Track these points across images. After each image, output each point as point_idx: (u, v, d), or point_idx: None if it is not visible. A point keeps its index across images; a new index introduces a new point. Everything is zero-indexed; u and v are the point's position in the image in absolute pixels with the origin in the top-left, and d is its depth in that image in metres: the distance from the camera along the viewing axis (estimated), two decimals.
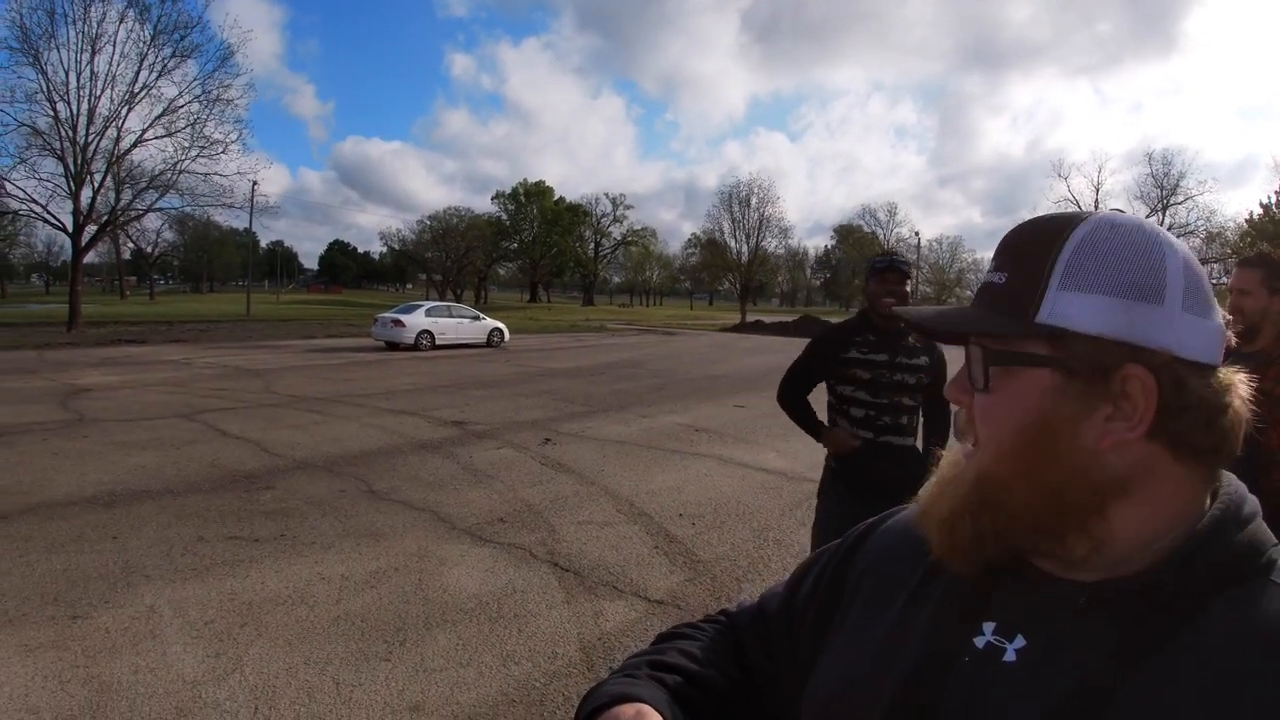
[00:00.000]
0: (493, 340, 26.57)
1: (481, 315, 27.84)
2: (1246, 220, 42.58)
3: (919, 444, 3.57)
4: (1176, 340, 0.65)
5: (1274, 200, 41.15)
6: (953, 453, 0.77)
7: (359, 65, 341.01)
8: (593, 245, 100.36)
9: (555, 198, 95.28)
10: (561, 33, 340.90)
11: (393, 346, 23.59)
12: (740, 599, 1.01)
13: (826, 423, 3.61)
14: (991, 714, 0.66)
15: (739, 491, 7.25)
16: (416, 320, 24.11)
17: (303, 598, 4.36)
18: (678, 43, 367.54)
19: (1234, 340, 0.69)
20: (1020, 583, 0.70)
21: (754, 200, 64.92)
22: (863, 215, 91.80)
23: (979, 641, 0.70)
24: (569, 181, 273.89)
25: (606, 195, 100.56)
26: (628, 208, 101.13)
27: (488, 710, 3.33)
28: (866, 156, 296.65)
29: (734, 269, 66.37)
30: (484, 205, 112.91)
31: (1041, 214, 0.75)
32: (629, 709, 0.73)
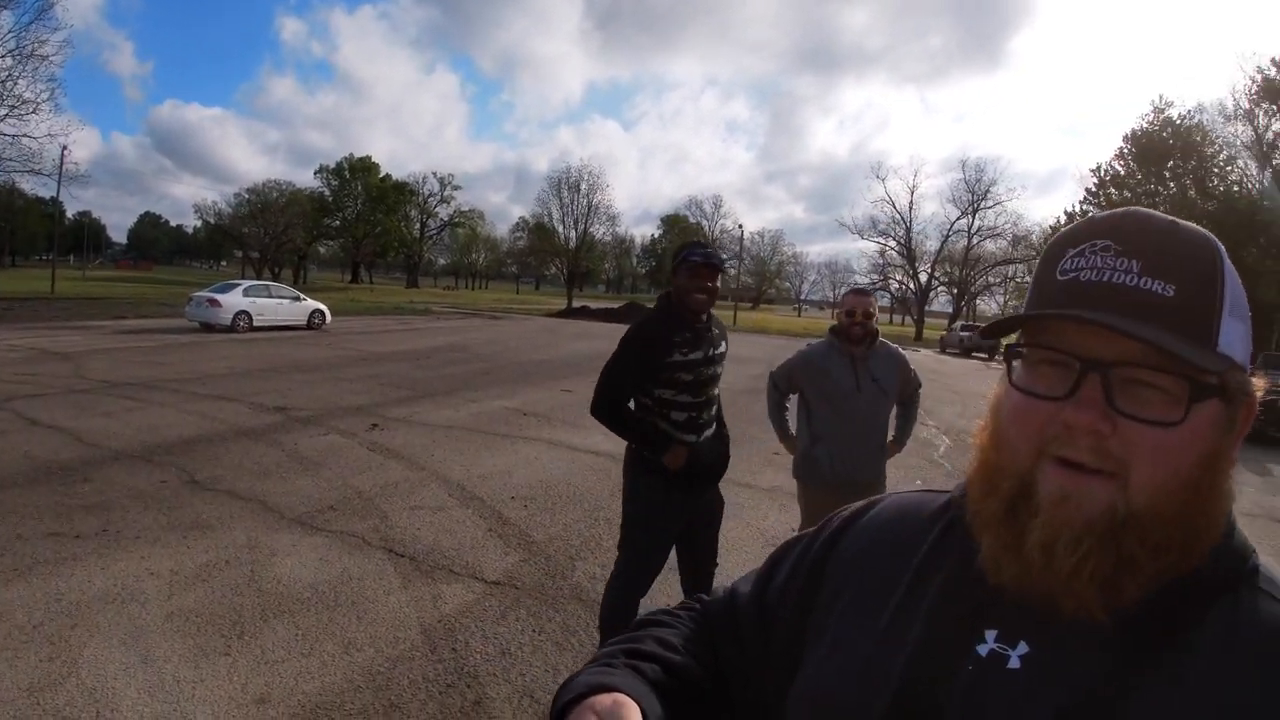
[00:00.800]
0: (314, 322, 25.59)
1: (302, 296, 26.64)
2: (1052, 227, 45.35)
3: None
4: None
5: (1078, 210, 44.79)
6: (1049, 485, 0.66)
7: (183, 24, 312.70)
8: (418, 225, 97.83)
9: (381, 174, 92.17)
10: (399, 2, 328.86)
11: (208, 328, 22.20)
12: (713, 588, 1.02)
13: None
14: (1001, 718, 0.64)
15: (568, 473, 7.53)
16: (233, 300, 22.85)
17: (133, 595, 4.28)
18: (519, 22, 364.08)
19: None
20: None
21: (584, 186, 65.06)
22: (689, 206, 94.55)
23: (981, 649, 0.68)
24: (397, 158, 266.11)
25: (435, 174, 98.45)
26: (456, 188, 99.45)
27: (334, 697, 3.41)
28: (697, 149, 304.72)
29: (561, 254, 66.34)
30: (306, 179, 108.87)
31: (1150, 211, 0.68)
32: (605, 699, 0.70)
